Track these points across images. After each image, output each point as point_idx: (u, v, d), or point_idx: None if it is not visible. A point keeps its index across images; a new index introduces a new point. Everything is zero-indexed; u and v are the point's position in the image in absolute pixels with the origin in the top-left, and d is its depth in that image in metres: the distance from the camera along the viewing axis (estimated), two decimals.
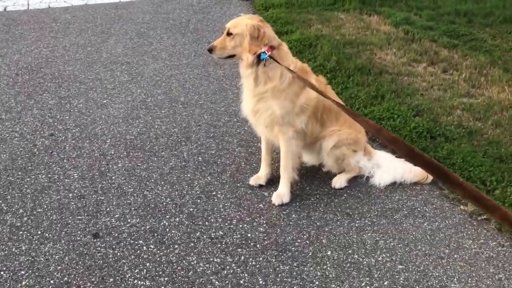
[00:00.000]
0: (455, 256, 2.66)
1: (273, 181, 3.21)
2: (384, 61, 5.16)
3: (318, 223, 2.89)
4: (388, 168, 3.22)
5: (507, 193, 3.05)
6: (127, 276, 2.51)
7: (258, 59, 2.82)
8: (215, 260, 2.61)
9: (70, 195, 3.09)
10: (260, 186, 3.19)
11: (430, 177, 3.22)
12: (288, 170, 3.07)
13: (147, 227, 2.84)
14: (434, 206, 3.05)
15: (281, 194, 3.07)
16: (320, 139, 3.16)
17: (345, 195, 3.16)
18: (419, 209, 3.03)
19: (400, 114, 3.97)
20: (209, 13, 6.64)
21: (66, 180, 3.23)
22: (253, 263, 2.60)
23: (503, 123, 3.92)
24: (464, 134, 3.75)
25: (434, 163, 1.64)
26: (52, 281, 2.46)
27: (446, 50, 5.50)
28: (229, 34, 2.85)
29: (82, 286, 2.44)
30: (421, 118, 3.95)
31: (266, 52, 2.79)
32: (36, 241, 2.71)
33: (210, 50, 2.89)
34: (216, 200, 3.08)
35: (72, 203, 3.02)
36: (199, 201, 3.07)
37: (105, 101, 4.26)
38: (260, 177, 3.23)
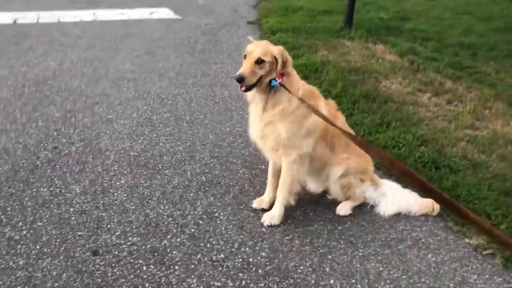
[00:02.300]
0: None
1: None
2: (389, 89, 5.19)
3: (321, 250, 2.85)
4: (393, 198, 3.19)
5: None
6: None
7: (269, 86, 2.83)
8: (215, 284, 2.56)
9: (71, 210, 3.05)
10: (263, 210, 3.15)
11: (436, 210, 3.20)
12: (284, 193, 3.04)
13: (148, 246, 2.79)
14: (438, 238, 3.01)
15: (272, 215, 3.04)
16: (328, 166, 3.14)
17: (349, 222, 3.12)
18: (423, 240, 2.99)
19: (405, 143, 3.97)
20: (217, 35, 6.72)
21: (68, 194, 3.20)
22: None
23: (507, 157, 3.92)
24: (468, 166, 3.74)
25: (446, 197, 1.64)
26: None
27: (450, 81, 5.55)
28: (260, 61, 2.76)
29: None
30: (426, 148, 3.95)
31: (276, 79, 2.80)
32: (34, 256, 2.66)
33: (241, 80, 2.72)
34: (218, 222, 3.04)
35: (73, 218, 2.98)
36: (201, 222, 3.03)
37: (110, 117, 4.26)
38: (264, 200, 3.20)
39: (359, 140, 2.19)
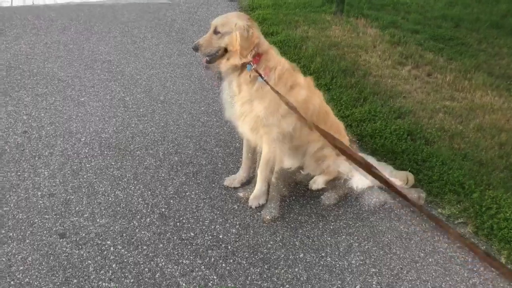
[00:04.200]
0: (430, 259, 2.61)
1: (248, 182, 3.15)
2: (369, 63, 5.13)
3: (292, 225, 2.82)
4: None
5: (485, 196, 3.01)
6: (92, 277, 2.42)
7: (243, 66, 2.75)
8: (184, 261, 2.53)
9: (39, 193, 3.00)
10: (235, 188, 3.12)
11: (410, 182, 3.17)
12: (266, 172, 2.99)
13: (116, 227, 2.76)
14: (411, 209, 3.00)
15: (258, 196, 3.00)
16: (306, 143, 3.10)
17: (321, 197, 3.09)
18: (396, 211, 2.98)
19: (382, 117, 3.93)
20: (196, 13, 6.59)
21: (36, 178, 3.14)
22: (223, 265, 2.53)
23: (484, 126, 3.90)
24: (445, 137, 3.72)
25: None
26: (12, 282, 2.36)
27: (431, 53, 5.49)
28: (216, 32, 2.71)
29: (44, 287, 2.35)
30: (403, 120, 3.91)
31: (251, 63, 2.71)
32: None
33: (196, 48, 2.74)
34: (189, 200, 3.01)
35: (41, 202, 2.93)
36: (171, 201, 2.99)
37: (82, 99, 4.17)
38: (236, 178, 3.16)
39: (334, 138, 2.21)
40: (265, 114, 2.81)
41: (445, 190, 3.13)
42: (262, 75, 2.72)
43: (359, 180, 3.16)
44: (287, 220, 2.86)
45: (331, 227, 2.82)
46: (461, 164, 3.33)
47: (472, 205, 2.97)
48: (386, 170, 3.20)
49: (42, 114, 3.90)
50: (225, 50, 2.75)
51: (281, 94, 2.71)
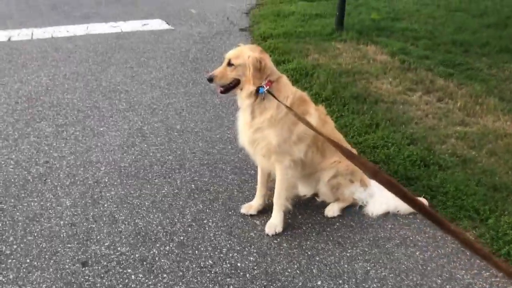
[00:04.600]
0: (447, 287, 2.62)
1: (265, 209, 3.20)
2: (380, 90, 5.20)
3: (309, 252, 2.86)
4: (382, 198, 3.19)
5: (500, 222, 3.02)
6: None
7: (256, 92, 2.85)
8: None
9: (61, 222, 3.09)
10: (252, 215, 3.17)
11: None
12: (281, 199, 3.06)
13: (137, 255, 2.82)
14: (426, 235, 3.02)
15: (274, 223, 3.05)
16: (319, 170, 3.16)
17: (337, 224, 3.13)
18: (411, 238, 3.00)
19: (394, 143, 3.98)
20: (209, 43, 6.76)
21: (58, 207, 3.23)
22: None
23: (497, 152, 3.92)
24: (458, 162, 3.75)
25: (428, 209, 1.72)
26: None
27: (442, 79, 5.55)
28: (230, 64, 2.86)
29: None
30: (415, 146, 3.95)
31: (264, 86, 2.83)
32: (24, 270, 2.69)
33: (211, 80, 2.87)
34: (207, 228, 3.06)
35: (63, 231, 3.01)
36: (189, 229, 3.05)
37: (101, 129, 4.30)
38: (253, 206, 3.22)
39: (345, 149, 2.21)
40: (277, 141, 2.90)
41: (460, 216, 3.15)
42: (275, 96, 2.82)
43: (375, 206, 3.20)
44: (304, 247, 2.90)
45: (348, 254, 2.85)
46: (476, 190, 3.35)
47: (488, 231, 2.98)
48: None
49: (63, 145, 4.02)
50: (239, 81, 2.87)
51: (293, 110, 2.78)
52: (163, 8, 8.64)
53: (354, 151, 3.30)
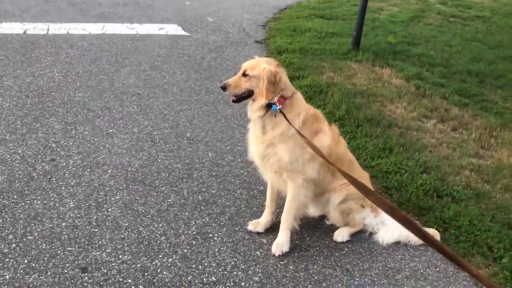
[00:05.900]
0: None
1: (272, 228, 3.11)
2: (394, 114, 5.14)
3: (316, 277, 2.77)
4: (393, 226, 3.10)
5: None
6: None
7: (268, 106, 2.80)
8: None
9: (63, 224, 3.00)
10: (258, 233, 3.08)
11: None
12: (290, 219, 2.97)
13: (138, 265, 2.73)
14: (437, 269, 2.92)
15: (281, 243, 2.96)
16: (328, 191, 3.08)
17: (346, 249, 3.04)
18: (421, 271, 2.90)
19: (408, 170, 3.90)
20: (224, 53, 6.73)
21: (61, 208, 3.15)
22: None
23: None
24: (472, 196, 3.66)
25: (447, 249, 1.65)
26: None
27: (456, 108, 5.49)
28: (245, 75, 2.83)
29: None
30: (429, 175, 3.87)
31: (277, 104, 2.76)
32: (21, 271, 2.60)
33: (224, 88, 2.84)
34: (212, 243, 2.98)
35: (64, 233, 2.93)
36: (194, 242, 2.96)
37: (111, 130, 4.23)
38: (260, 223, 3.13)
39: (359, 184, 2.12)
40: (289, 158, 2.82)
41: (472, 252, 3.06)
42: (287, 117, 2.76)
43: (386, 235, 3.11)
44: (310, 271, 2.81)
45: (356, 283, 2.75)
46: (489, 226, 3.26)
47: (501, 270, 2.88)
48: None
49: (71, 143, 3.95)
50: (252, 92, 2.82)
51: (304, 136, 2.71)
52: (180, 14, 8.63)
53: (367, 176, 3.23)
